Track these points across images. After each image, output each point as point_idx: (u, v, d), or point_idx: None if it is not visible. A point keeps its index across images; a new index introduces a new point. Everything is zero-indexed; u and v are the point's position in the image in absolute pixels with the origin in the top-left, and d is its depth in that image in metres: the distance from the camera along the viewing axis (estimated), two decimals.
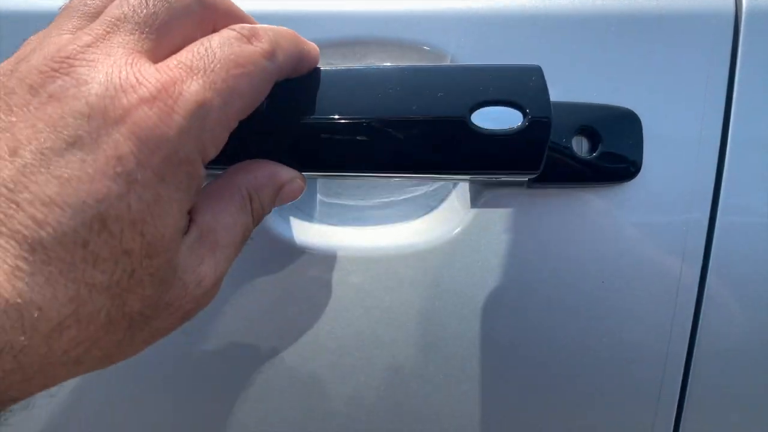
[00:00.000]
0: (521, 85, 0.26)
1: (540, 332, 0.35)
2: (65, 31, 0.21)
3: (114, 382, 0.36)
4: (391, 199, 0.38)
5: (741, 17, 0.34)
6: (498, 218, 0.35)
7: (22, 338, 0.17)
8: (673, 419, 0.36)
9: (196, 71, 0.20)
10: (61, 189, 0.18)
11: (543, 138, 0.26)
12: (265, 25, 0.24)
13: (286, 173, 0.26)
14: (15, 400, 0.19)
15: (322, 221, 0.37)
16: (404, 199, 0.37)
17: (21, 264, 0.17)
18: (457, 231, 0.35)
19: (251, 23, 0.24)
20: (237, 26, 0.23)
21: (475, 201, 0.35)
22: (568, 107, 0.34)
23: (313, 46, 0.26)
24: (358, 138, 0.25)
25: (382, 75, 0.26)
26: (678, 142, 0.34)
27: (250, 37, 0.22)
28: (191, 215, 0.22)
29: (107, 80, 0.19)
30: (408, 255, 0.35)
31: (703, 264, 0.35)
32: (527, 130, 0.26)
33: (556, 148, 0.33)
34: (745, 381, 0.35)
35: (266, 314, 0.36)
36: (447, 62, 0.35)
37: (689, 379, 0.35)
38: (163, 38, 0.21)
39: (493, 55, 0.35)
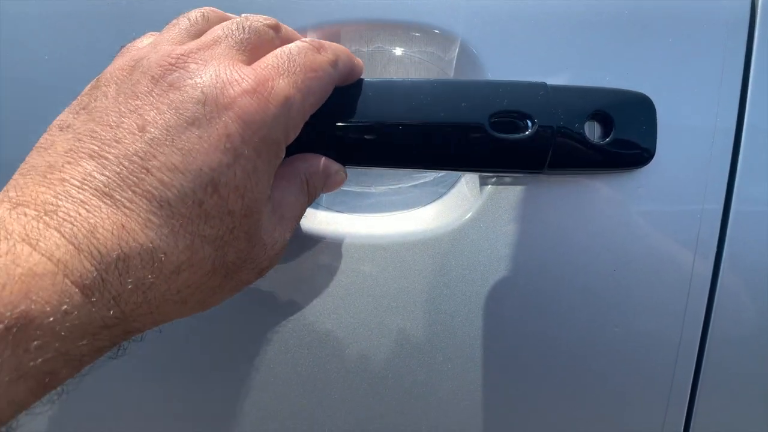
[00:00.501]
0: (531, 98, 0.31)
1: (550, 321, 0.35)
2: (175, 42, 0.26)
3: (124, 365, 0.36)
4: (399, 185, 0.37)
5: (758, 5, 0.34)
6: (508, 205, 0.35)
7: (150, 276, 0.22)
8: (686, 408, 0.35)
9: (282, 72, 0.25)
10: (183, 158, 0.22)
11: (548, 143, 0.31)
12: (327, 42, 0.28)
13: (333, 165, 0.30)
14: (138, 331, 0.23)
15: (329, 208, 0.37)
16: (412, 186, 0.37)
17: (152, 218, 0.22)
18: (466, 218, 0.35)
19: None
20: (308, 39, 0.27)
21: (485, 188, 0.35)
22: (581, 91, 0.33)
23: (359, 61, 0.31)
24: (393, 138, 0.30)
25: (415, 86, 0.31)
26: (692, 130, 0.34)
27: (318, 48, 0.27)
28: None
29: (216, 75, 0.23)
30: (416, 242, 0.35)
31: (717, 253, 0.34)
32: (535, 136, 0.31)
33: (568, 133, 0.32)
34: (758, 369, 0.35)
35: (273, 301, 0.35)
36: (457, 45, 0.35)
37: (702, 369, 0.35)
38: (252, 56, 0.26)
39: (504, 38, 0.34)
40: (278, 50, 0.26)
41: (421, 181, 0.37)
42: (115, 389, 0.37)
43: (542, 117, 0.31)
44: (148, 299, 0.22)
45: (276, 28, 0.28)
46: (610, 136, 0.33)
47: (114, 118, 0.23)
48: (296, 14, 0.34)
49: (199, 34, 0.27)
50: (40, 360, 0.20)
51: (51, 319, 0.19)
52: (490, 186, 0.35)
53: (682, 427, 0.36)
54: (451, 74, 0.35)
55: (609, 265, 0.34)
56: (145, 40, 0.27)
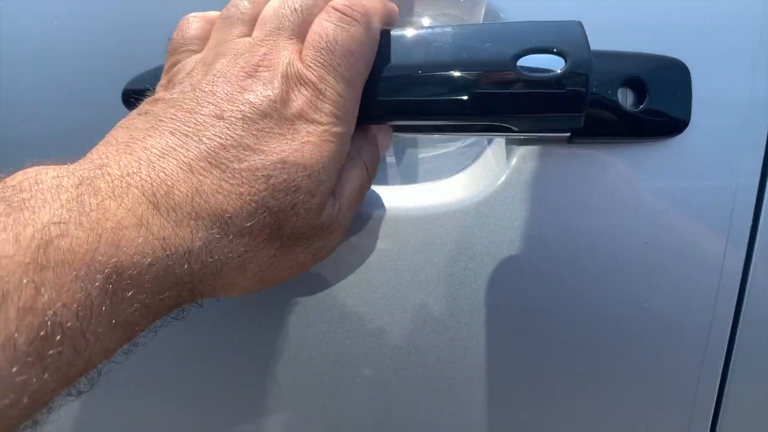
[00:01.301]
0: (562, 35, 0.28)
1: (578, 295, 0.34)
2: (235, 36, 0.28)
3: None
4: (422, 155, 0.36)
5: None
6: (535, 176, 0.33)
7: (215, 233, 0.24)
8: (717, 385, 0.34)
9: (328, 68, 0.27)
10: (257, 141, 0.25)
11: (585, 81, 0.27)
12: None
13: (381, 131, 0.32)
14: (200, 295, 0.26)
15: None
16: (435, 155, 0.36)
17: (223, 184, 0.24)
18: (492, 190, 0.33)
19: None
20: (339, 5, 0.28)
21: (511, 158, 0.33)
22: (614, 57, 0.32)
23: (393, 6, 0.31)
24: (418, 89, 0.29)
25: (438, 33, 0.29)
26: (728, 99, 0.32)
27: (349, 15, 0.28)
28: None
29: (284, 79, 0.26)
30: (440, 215, 0.34)
31: (753, 226, 0.33)
32: (569, 73, 0.27)
33: (599, 99, 0.31)
34: None
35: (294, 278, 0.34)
36: (482, 8, 0.33)
37: (735, 344, 0.34)
38: (304, 32, 0.28)
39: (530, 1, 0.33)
40: (318, 40, 0.27)
41: (444, 150, 0.35)
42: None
43: (576, 52, 0.27)
44: (214, 259, 0.24)
45: None
46: (644, 103, 0.32)
47: (192, 105, 0.26)
48: None
49: (253, 18, 0.29)
50: (129, 310, 0.22)
51: (138, 270, 0.21)
52: (516, 157, 0.33)
53: (713, 405, 0.35)
54: None
55: (640, 238, 0.33)
56: (193, 26, 0.30)
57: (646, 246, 0.33)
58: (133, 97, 0.32)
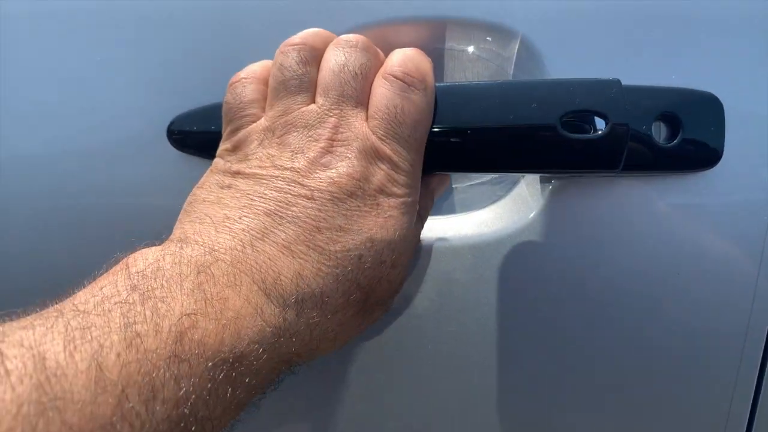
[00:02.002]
0: (602, 95, 0.30)
1: (612, 324, 0.34)
2: (300, 104, 0.29)
3: None
4: (455, 186, 0.36)
5: None
6: (569, 207, 0.34)
7: (316, 317, 0.26)
8: (747, 416, 0.35)
9: (400, 140, 0.28)
10: (347, 221, 0.27)
11: (623, 142, 0.30)
12: (406, 56, 0.29)
13: (432, 179, 0.34)
14: (296, 365, 0.27)
15: None
16: (469, 186, 0.36)
17: (322, 267, 0.26)
18: (525, 222, 0.34)
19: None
20: (398, 72, 0.29)
21: (545, 190, 0.34)
22: (649, 92, 0.32)
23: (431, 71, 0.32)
24: (466, 142, 0.30)
25: (485, 89, 0.30)
26: (761, 130, 0.33)
27: (410, 83, 0.29)
28: None
29: (361, 154, 0.27)
30: (473, 246, 0.34)
31: None
32: (608, 135, 0.29)
33: (635, 135, 0.32)
34: None
35: None
36: (517, 42, 0.34)
37: (764, 378, 0.34)
38: (366, 96, 0.29)
39: (565, 34, 0.33)
40: (386, 110, 0.28)
41: (478, 181, 0.36)
42: None
43: (616, 115, 0.29)
44: (313, 337, 0.26)
45: (368, 49, 0.30)
46: (678, 137, 0.32)
47: (279, 184, 0.27)
48: (352, 12, 0.33)
49: (311, 82, 0.29)
50: (244, 394, 0.23)
51: (254, 357, 0.23)
52: (550, 188, 0.34)
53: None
54: (510, 71, 0.34)
55: (673, 268, 0.34)
56: (248, 89, 0.30)
57: (679, 276, 0.34)
58: (179, 135, 0.33)
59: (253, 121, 0.30)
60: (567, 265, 0.34)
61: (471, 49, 0.35)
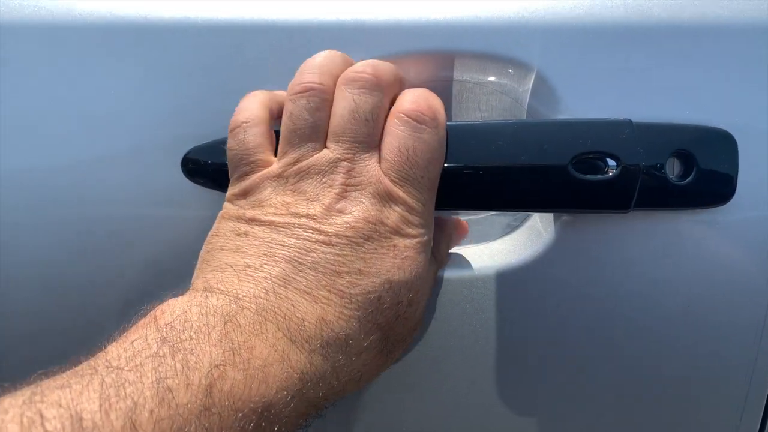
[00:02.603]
0: (614, 137, 0.30)
1: (623, 358, 0.35)
2: (311, 151, 0.29)
3: None
4: (469, 217, 0.37)
5: None
6: (581, 241, 0.34)
7: (342, 359, 0.26)
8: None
9: (413, 182, 0.29)
10: (365, 264, 0.27)
11: (634, 183, 0.30)
12: (417, 94, 0.30)
13: (449, 225, 0.34)
14: (323, 409, 0.27)
15: None
16: (482, 218, 0.36)
17: (344, 311, 0.26)
18: (539, 253, 0.34)
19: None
20: (410, 111, 0.29)
21: (557, 222, 0.34)
22: (663, 129, 0.32)
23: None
24: (477, 182, 0.31)
25: (497, 129, 0.31)
26: None
27: (422, 122, 0.29)
28: None
29: (374, 197, 0.28)
30: (485, 277, 0.35)
31: None
32: (619, 177, 0.30)
33: (648, 172, 0.32)
34: None
35: None
36: (532, 76, 0.34)
37: None
38: (377, 139, 0.29)
39: (581, 69, 0.33)
40: (398, 153, 0.28)
41: (492, 213, 0.36)
42: None
43: (627, 156, 0.30)
44: (339, 380, 0.27)
45: (379, 84, 0.29)
46: (692, 175, 0.32)
47: (297, 231, 0.27)
48: (367, 44, 0.33)
49: (322, 128, 0.29)
50: None
51: (282, 405, 0.23)
52: (563, 221, 0.34)
53: None
54: (525, 104, 0.34)
55: (683, 302, 0.34)
56: (251, 133, 0.30)
57: (689, 309, 0.34)
58: (194, 166, 0.33)
59: (262, 166, 0.30)
60: (579, 298, 0.34)
61: (486, 82, 0.35)
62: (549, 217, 0.35)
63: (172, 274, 0.33)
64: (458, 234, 0.34)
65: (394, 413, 0.37)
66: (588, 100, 0.33)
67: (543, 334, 0.35)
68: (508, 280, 0.35)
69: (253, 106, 0.31)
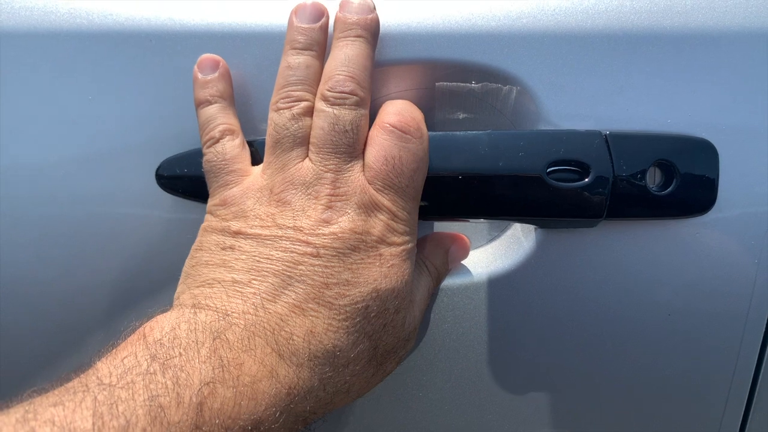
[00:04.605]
0: (585, 147, 0.31)
1: (602, 363, 0.35)
2: (295, 160, 0.29)
3: None
4: (452, 225, 0.36)
5: None
6: (562, 249, 0.34)
7: (329, 371, 0.26)
8: None
9: (398, 190, 0.29)
10: (353, 275, 0.27)
11: (605, 191, 0.31)
12: (402, 107, 0.30)
13: (447, 239, 0.34)
14: (311, 421, 0.27)
15: None
16: (463, 225, 0.36)
17: (332, 322, 0.26)
18: (519, 262, 0.34)
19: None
20: (395, 122, 0.29)
21: (538, 231, 0.34)
22: (644, 139, 0.32)
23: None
24: (456, 189, 0.31)
25: (476, 138, 0.31)
26: (754, 176, 0.33)
27: (407, 132, 0.29)
28: None
29: (360, 207, 0.28)
30: (467, 286, 0.35)
31: None
32: (592, 185, 0.31)
33: (629, 182, 0.32)
34: None
35: None
36: (515, 83, 0.33)
37: (752, 405, 0.35)
38: (359, 148, 0.29)
39: (562, 77, 0.33)
40: (384, 162, 0.28)
41: (473, 221, 0.36)
42: None
43: (598, 165, 0.31)
44: (327, 391, 0.26)
45: (360, 103, 0.29)
46: (672, 185, 0.32)
47: (284, 244, 0.27)
48: None
49: (304, 137, 0.29)
50: None
51: (270, 420, 0.23)
52: (543, 231, 0.34)
53: None
54: (507, 112, 0.34)
55: (663, 310, 0.34)
56: (228, 146, 0.30)
57: (669, 318, 0.34)
58: (168, 178, 0.33)
59: (242, 176, 0.30)
60: (559, 305, 0.34)
61: (468, 89, 0.34)
62: (530, 226, 0.35)
63: (149, 276, 0.33)
64: (458, 247, 0.34)
65: (379, 418, 0.37)
66: (569, 108, 0.33)
67: (524, 341, 0.35)
68: (488, 288, 0.34)
69: (222, 116, 0.31)
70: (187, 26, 0.33)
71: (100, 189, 0.34)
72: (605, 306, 0.34)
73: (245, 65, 0.33)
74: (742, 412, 0.35)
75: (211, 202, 0.30)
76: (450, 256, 0.33)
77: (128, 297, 0.35)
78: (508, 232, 0.36)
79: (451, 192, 0.31)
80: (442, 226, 0.36)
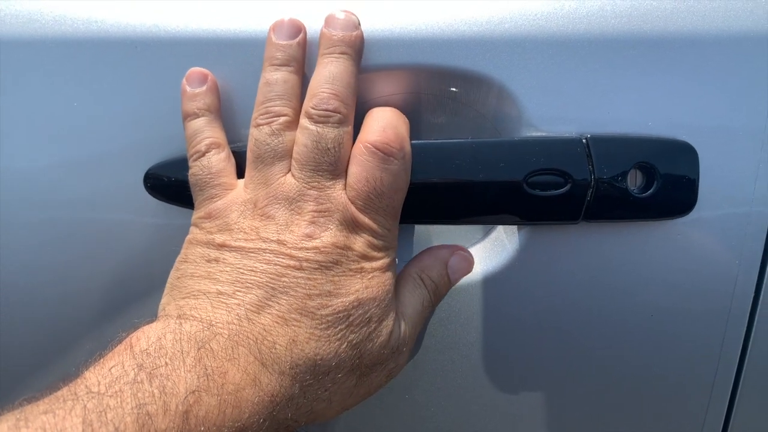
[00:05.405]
0: (564, 154, 0.32)
1: (587, 364, 0.35)
2: (278, 174, 0.29)
3: None
4: (436, 228, 0.37)
5: None
6: (546, 251, 0.34)
7: (310, 378, 0.27)
8: None
9: (379, 210, 0.29)
10: (335, 286, 0.28)
11: (582, 198, 0.32)
12: (386, 121, 0.30)
13: (446, 252, 0.33)
14: (293, 429, 0.27)
15: None
16: (447, 229, 0.37)
17: (314, 331, 0.27)
18: (503, 264, 0.35)
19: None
20: (378, 143, 0.29)
21: (522, 233, 0.35)
22: (624, 142, 0.32)
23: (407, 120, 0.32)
24: (439, 196, 0.32)
25: (458, 148, 0.32)
26: (734, 178, 0.33)
27: (389, 154, 0.29)
28: None
29: (341, 223, 0.28)
30: (452, 288, 0.35)
31: (753, 301, 0.34)
32: (570, 192, 0.32)
33: (610, 184, 0.32)
34: None
35: None
36: (497, 88, 0.34)
37: (735, 405, 0.36)
38: (342, 166, 0.29)
39: (544, 81, 0.33)
40: (365, 183, 0.29)
41: (457, 225, 0.36)
42: None
43: (577, 172, 0.32)
44: (308, 399, 0.27)
45: (343, 121, 0.29)
46: (653, 187, 0.32)
47: (268, 257, 0.28)
48: None
49: (287, 151, 0.29)
50: None
51: (253, 427, 0.24)
52: (527, 232, 0.34)
53: None
54: (490, 117, 0.34)
55: (646, 311, 0.35)
56: (214, 159, 0.31)
57: (652, 318, 0.35)
58: (155, 183, 0.33)
59: (228, 189, 0.30)
60: (543, 307, 0.35)
61: (451, 95, 0.35)
62: (513, 227, 0.35)
63: (137, 279, 0.34)
64: (459, 259, 0.33)
65: (365, 420, 0.37)
66: (551, 112, 0.33)
67: (508, 343, 0.35)
68: (472, 290, 0.35)
69: (208, 130, 0.31)
70: (172, 33, 0.33)
71: (86, 195, 0.34)
72: (589, 307, 0.35)
73: (231, 71, 0.33)
74: (725, 410, 0.36)
75: (196, 215, 0.31)
76: (450, 268, 0.33)
77: (117, 301, 0.35)
78: (492, 235, 0.36)
79: (431, 200, 0.32)
80: (423, 229, 0.36)
